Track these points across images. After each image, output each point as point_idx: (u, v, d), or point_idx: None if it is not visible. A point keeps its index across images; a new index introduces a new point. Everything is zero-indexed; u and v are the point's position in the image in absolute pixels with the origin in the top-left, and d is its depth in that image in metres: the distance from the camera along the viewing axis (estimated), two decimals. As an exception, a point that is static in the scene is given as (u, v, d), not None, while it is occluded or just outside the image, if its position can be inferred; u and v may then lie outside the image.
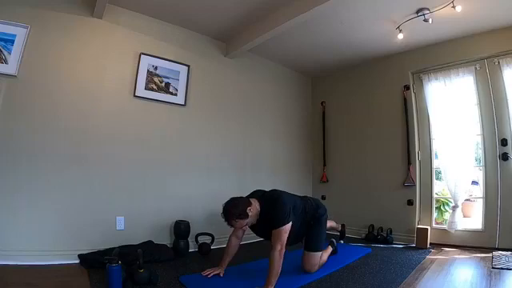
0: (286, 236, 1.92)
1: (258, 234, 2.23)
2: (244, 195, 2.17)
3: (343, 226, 3.23)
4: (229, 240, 2.23)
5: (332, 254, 2.55)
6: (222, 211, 1.99)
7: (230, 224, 2.00)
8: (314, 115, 4.44)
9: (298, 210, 2.17)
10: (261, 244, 2.35)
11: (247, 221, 2.00)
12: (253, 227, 2.19)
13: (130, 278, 1.82)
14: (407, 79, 3.50)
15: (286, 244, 2.00)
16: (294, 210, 2.07)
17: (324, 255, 2.35)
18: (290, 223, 1.97)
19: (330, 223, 2.89)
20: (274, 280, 1.80)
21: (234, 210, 1.96)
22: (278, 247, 1.86)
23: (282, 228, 1.92)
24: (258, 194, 2.17)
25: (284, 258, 1.89)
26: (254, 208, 2.03)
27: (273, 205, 2.02)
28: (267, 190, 2.25)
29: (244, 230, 2.20)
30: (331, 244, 2.60)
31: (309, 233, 2.26)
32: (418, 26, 2.85)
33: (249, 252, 2.42)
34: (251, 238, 2.26)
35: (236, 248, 2.21)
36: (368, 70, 3.86)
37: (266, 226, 2.01)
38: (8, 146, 2.17)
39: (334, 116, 4.20)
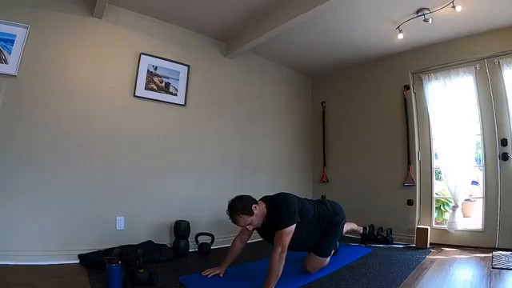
0: (287, 238, 1.89)
1: (266, 239, 2.18)
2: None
3: (365, 228, 3.18)
4: (233, 242, 2.22)
5: (333, 254, 2.54)
6: (227, 208, 2.00)
7: (234, 220, 1.98)
8: (313, 115, 4.43)
9: (309, 214, 2.14)
10: (261, 244, 2.34)
11: (251, 219, 1.97)
12: (261, 232, 2.18)
13: (130, 278, 1.82)
14: (407, 79, 3.50)
15: (293, 249, 1.99)
16: (301, 214, 2.05)
17: (328, 259, 2.31)
18: (294, 225, 1.94)
19: (350, 226, 2.86)
20: (273, 282, 1.78)
21: (238, 204, 1.97)
22: (279, 249, 1.84)
23: (284, 229, 1.90)
24: (266, 198, 2.16)
25: (285, 258, 1.86)
26: (260, 208, 2.02)
27: (277, 206, 2.01)
28: (271, 192, 2.24)
29: (250, 234, 2.19)
30: None
31: (321, 238, 2.23)
32: (418, 26, 2.85)
33: (249, 252, 2.41)
34: (252, 238, 2.25)
35: (239, 251, 2.20)
36: (368, 70, 3.86)
37: (271, 228, 1.98)
38: (8, 146, 2.17)
39: (334, 116, 4.20)
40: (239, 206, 1.96)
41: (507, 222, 2.78)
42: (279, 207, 2.00)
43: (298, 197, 2.19)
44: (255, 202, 2.04)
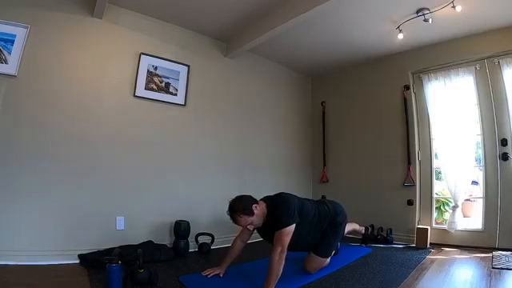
0: (287, 238, 1.90)
1: (266, 239, 2.18)
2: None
3: (366, 229, 3.16)
4: (234, 242, 2.22)
5: (333, 254, 2.54)
6: (227, 208, 2.00)
7: (235, 220, 1.99)
8: (313, 115, 4.43)
9: (309, 214, 2.14)
10: (261, 244, 2.34)
11: (252, 219, 1.98)
12: (261, 231, 2.18)
13: (130, 278, 1.82)
14: (407, 79, 3.50)
15: (293, 249, 1.99)
16: (301, 214, 2.05)
17: (328, 259, 2.31)
18: (293, 225, 1.95)
19: (352, 226, 2.86)
20: (273, 282, 1.79)
21: (238, 204, 1.97)
22: (279, 249, 1.84)
23: (283, 230, 1.91)
24: (266, 198, 2.16)
25: (285, 258, 1.86)
26: (261, 208, 2.03)
27: (277, 206, 2.02)
28: (271, 192, 2.24)
29: (250, 234, 2.19)
30: None
31: (322, 238, 2.23)
32: (418, 26, 2.85)
33: (249, 252, 2.42)
34: (252, 238, 2.25)
35: (239, 251, 2.20)
36: (368, 70, 3.86)
37: (272, 228, 1.98)
38: (8, 146, 2.17)
39: (334, 116, 4.20)
40: (240, 206, 1.96)
41: (507, 222, 2.78)
42: (279, 207, 2.00)
43: (298, 197, 2.19)
44: (255, 201, 2.04)
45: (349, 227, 2.70)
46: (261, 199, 2.13)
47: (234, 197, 2.06)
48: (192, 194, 3.03)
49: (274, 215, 2.00)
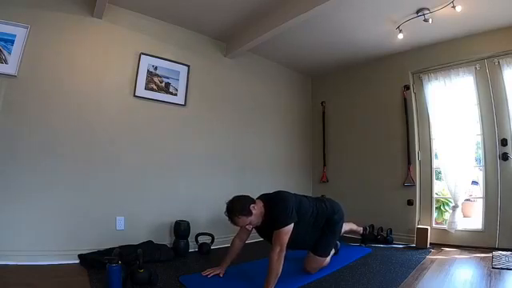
0: (286, 238, 1.90)
1: (264, 238, 2.18)
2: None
3: (365, 229, 3.16)
4: (232, 241, 2.22)
5: (333, 254, 2.54)
6: (225, 210, 1.99)
7: (233, 221, 1.98)
8: (313, 115, 4.43)
9: (306, 213, 2.13)
10: (261, 244, 2.34)
11: (250, 219, 1.97)
12: (259, 230, 2.17)
13: (130, 278, 1.82)
14: (407, 79, 3.50)
15: (291, 247, 1.99)
16: (299, 213, 2.04)
17: (328, 258, 2.31)
18: (292, 225, 1.94)
19: (349, 226, 2.86)
20: (273, 281, 1.79)
21: (236, 205, 1.96)
22: (277, 249, 1.85)
23: (282, 229, 1.90)
24: (263, 196, 2.15)
25: (285, 257, 1.87)
26: (259, 207, 2.02)
27: (275, 205, 2.01)
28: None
29: (248, 233, 2.19)
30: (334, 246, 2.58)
31: (320, 238, 2.23)
32: (417, 26, 2.85)
33: (249, 252, 2.42)
34: (252, 238, 2.26)
35: (238, 250, 2.20)
36: (368, 70, 3.86)
37: (270, 227, 1.98)
38: (8, 146, 2.17)
39: (334, 116, 4.20)
40: (237, 207, 1.95)
41: (507, 222, 2.78)
42: (277, 206, 2.00)
43: (295, 195, 2.18)
44: (253, 201, 2.03)
45: (346, 227, 2.70)
46: (258, 198, 2.13)
47: (231, 197, 2.04)
48: (192, 194, 3.03)
49: (271, 214, 2.00)
